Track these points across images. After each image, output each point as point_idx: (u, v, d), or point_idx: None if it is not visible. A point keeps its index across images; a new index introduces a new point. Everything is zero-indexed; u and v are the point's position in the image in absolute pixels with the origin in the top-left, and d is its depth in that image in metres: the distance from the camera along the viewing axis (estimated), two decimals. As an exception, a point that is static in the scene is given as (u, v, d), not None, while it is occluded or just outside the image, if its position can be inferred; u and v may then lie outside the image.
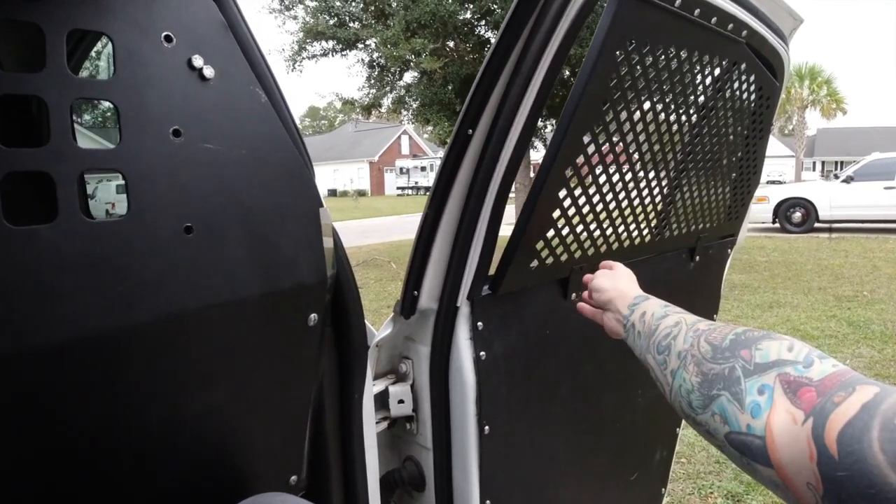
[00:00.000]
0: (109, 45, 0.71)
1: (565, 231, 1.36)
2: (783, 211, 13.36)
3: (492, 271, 1.26)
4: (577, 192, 1.34)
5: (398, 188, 48.25)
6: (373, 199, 40.86)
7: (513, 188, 1.24)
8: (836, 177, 14.27)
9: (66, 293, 0.65)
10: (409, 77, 12.56)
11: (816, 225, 13.26)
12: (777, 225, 13.48)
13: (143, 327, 0.71)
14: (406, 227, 17.01)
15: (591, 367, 1.60)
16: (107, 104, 0.71)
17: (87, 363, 0.68)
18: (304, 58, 12.43)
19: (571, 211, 1.34)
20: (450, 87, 11.47)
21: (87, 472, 0.73)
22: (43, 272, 0.63)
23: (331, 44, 12.22)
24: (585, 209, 1.39)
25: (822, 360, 0.60)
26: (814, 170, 44.93)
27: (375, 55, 12.34)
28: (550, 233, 1.32)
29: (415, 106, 12.76)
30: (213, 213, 0.76)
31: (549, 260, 1.35)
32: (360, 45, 12.26)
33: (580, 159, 1.29)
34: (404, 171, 48.24)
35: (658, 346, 0.83)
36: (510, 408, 1.36)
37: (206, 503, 0.86)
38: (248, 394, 0.87)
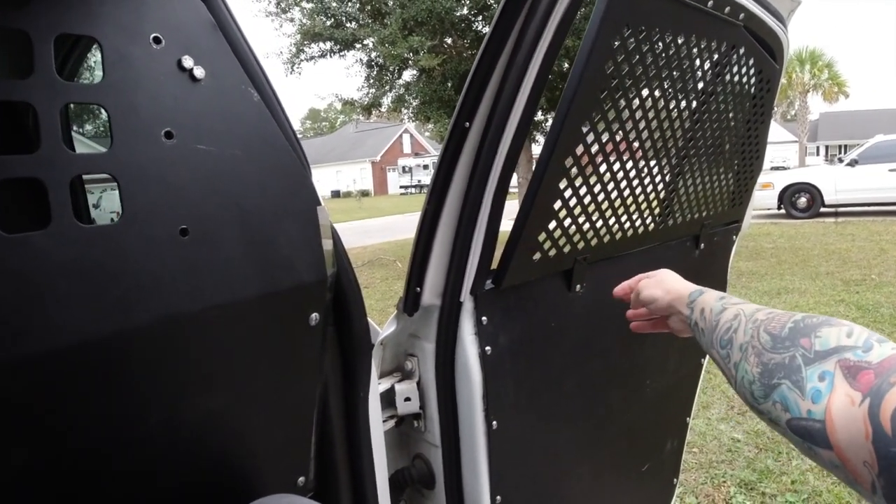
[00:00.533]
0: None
1: (567, 222, 1.35)
2: (788, 197, 13.29)
3: (494, 265, 1.25)
4: (578, 182, 1.33)
5: (401, 187, 48.25)
6: (376, 199, 40.87)
7: (515, 182, 1.22)
8: (841, 160, 14.19)
9: (61, 299, 0.64)
10: (408, 75, 12.55)
11: (822, 210, 13.19)
12: (782, 211, 13.41)
13: (141, 331, 0.70)
14: (410, 225, 16.99)
15: (598, 359, 1.59)
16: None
17: (86, 369, 0.67)
18: (302, 60, 12.43)
19: (573, 202, 1.33)
20: (449, 84, 11.47)
21: (91, 479, 0.73)
22: (38, 279, 0.63)
23: (328, 45, 12.22)
24: (587, 199, 1.37)
25: (882, 343, 0.61)
26: (818, 154, 44.67)
27: (373, 55, 12.34)
28: (552, 224, 1.30)
29: (415, 104, 12.76)
30: (209, 214, 0.75)
31: (552, 252, 1.34)
32: (358, 45, 12.26)
33: (579, 149, 1.27)
34: (407, 169, 48.24)
35: (720, 340, 0.84)
36: (517, 402, 1.35)
37: None
38: (251, 395, 0.86)
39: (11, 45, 1.39)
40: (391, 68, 12.25)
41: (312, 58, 12.50)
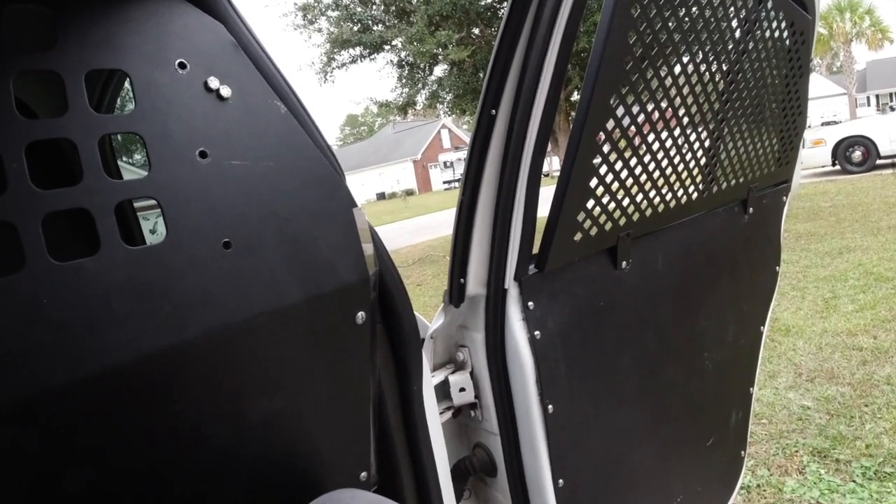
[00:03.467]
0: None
1: (605, 199, 1.33)
2: (842, 151, 12.76)
3: (536, 249, 1.25)
4: (612, 157, 1.32)
5: (444, 182, 48.33)
6: (421, 197, 41.04)
7: (558, 165, 1.22)
8: (893, 109, 13.53)
9: (115, 319, 0.67)
10: (440, 70, 12.58)
11: (878, 162, 12.61)
12: (837, 167, 12.89)
13: (194, 343, 0.73)
14: (456, 220, 17.01)
15: (652, 335, 1.57)
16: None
17: (145, 385, 0.71)
18: (333, 68, 12.59)
19: (609, 178, 1.32)
20: (481, 75, 11.43)
21: (161, 490, 0.76)
22: (91, 302, 0.66)
23: (358, 50, 12.35)
24: (624, 174, 1.36)
25: None
26: (868, 105, 42.72)
27: (403, 54, 12.41)
28: (590, 203, 1.29)
29: (449, 98, 12.78)
30: (249, 225, 0.78)
31: (593, 231, 1.33)
32: (387, 47, 12.35)
33: (610, 123, 1.26)
34: (448, 164, 48.29)
35: None
36: (571, 384, 1.34)
37: None
38: (306, 396, 0.88)
39: (47, 84, 1.46)
40: (422, 65, 12.30)
41: (344, 65, 12.66)
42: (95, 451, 0.69)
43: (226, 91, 0.79)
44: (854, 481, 2.65)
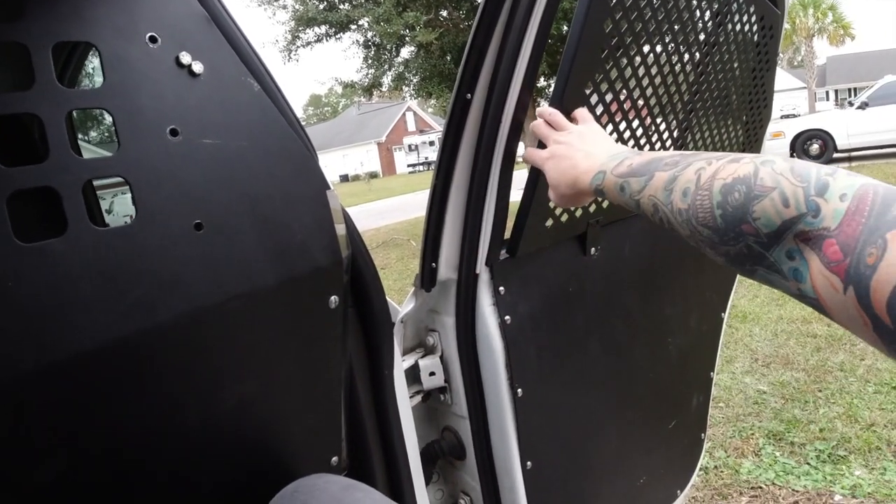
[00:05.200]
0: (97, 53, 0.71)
1: None
2: (800, 144, 13.09)
3: (508, 235, 1.25)
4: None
5: (409, 165, 48.11)
6: (385, 180, 40.80)
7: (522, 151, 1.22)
8: (851, 104, 13.92)
9: (84, 303, 0.65)
10: (406, 52, 12.46)
11: (835, 155, 12.96)
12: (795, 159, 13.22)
13: (166, 328, 0.71)
14: (421, 204, 16.97)
15: (619, 320, 1.59)
16: (108, 116, 0.71)
17: (114, 370, 0.69)
18: (298, 46, 12.38)
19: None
20: (448, 58, 11.38)
21: (130, 476, 0.75)
22: (59, 285, 0.64)
23: (323, 28, 12.15)
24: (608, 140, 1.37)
25: (824, 193, 0.54)
26: (827, 99, 43.85)
27: (369, 34, 12.25)
28: None
29: (415, 81, 12.69)
30: (221, 206, 0.76)
31: (564, 217, 1.33)
32: (353, 26, 12.18)
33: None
34: (413, 147, 48.05)
35: (658, 223, 0.75)
36: (541, 368, 1.36)
37: (252, 492, 0.88)
38: (279, 381, 0.87)
39: (9, 58, 1.40)
40: (388, 47, 12.18)
41: (308, 43, 12.45)
42: (63, 438, 0.67)
43: (198, 67, 0.77)
44: (808, 464, 2.75)
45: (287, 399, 0.90)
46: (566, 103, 1.18)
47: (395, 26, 10.77)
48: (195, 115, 0.76)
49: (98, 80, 0.71)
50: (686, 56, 1.48)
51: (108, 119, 0.71)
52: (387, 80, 13.15)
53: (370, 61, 12.70)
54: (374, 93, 14.11)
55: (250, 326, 0.81)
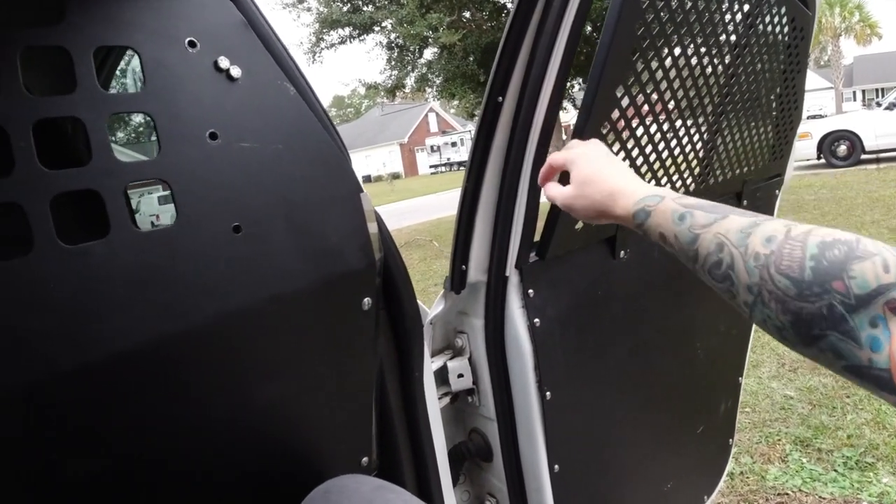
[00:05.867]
0: (135, 58, 0.72)
1: None
2: (827, 145, 12.85)
3: (537, 237, 1.25)
4: (616, 147, 1.32)
5: (431, 167, 48.14)
6: (407, 181, 40.89)
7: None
8: (879, 104, 13.64)
9: (124, 304, 0.66)
10: (430, 53, 12.48)
11: (863, 157, 12.70)
12: (822, 160, 12.99)
13: (203, 329, 0.73)
14: (443, 204, 17.00)
15: (647, 324, 1.58)
16: (136, 118, 0.72)
17: (154, 370, 0.70)
18: (322, 48, 12.46)
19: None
20: (471, 59, 11.37)
21: (164, 475, 0.76)
22: (100, 287, 0.65)
23: (347, 30, 12.23)
24: (626, 164, 1.36)
25: None
26: (854, 100, 43.01)
27: (393, 36, 12.30)
28: None
29: (438, 82, 12.71)
30: (258, 209, 0.77)
31: (594, 220, 1.33)
32: (377, 28, 12.24)
33: (615, 114, 1.26)
34: (435, 148, 48.08)
35: (712, 273, 0.69)
36: (569, 372, 1.35)
37: (283, 491, 0.89)
38: (312, 382, 0.88)
39: (49, 61, 1.42)
40: (412, 48, 12.21)
41: (332, 45, 12.53)
42: (101, 437, 0.68)
43: (236, 71, 0.78)
44: (836, 470, 2.70)
45: (319, 400, 0.91)
46: (597, 106, 1.18)
47: (418, 28, 10.81)
48: (233, 119, 0.77)
49: (127, 82, 0.72)
50: (716, 57, 1.47)
51: (139, 121, 0.72)
52: (410, 81, 13.19)
53: (393, 63, 12.75)
54: (397, 94, 14.16)
55: (285, 328, 0.82)
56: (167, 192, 0.72)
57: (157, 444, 0.74)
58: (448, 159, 45.79)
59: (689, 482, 1.91)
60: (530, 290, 1.25)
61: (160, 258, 0.69)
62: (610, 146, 1.28)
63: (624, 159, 1.34)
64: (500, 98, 1.13)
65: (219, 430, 0.79)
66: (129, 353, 0.67)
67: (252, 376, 0.81)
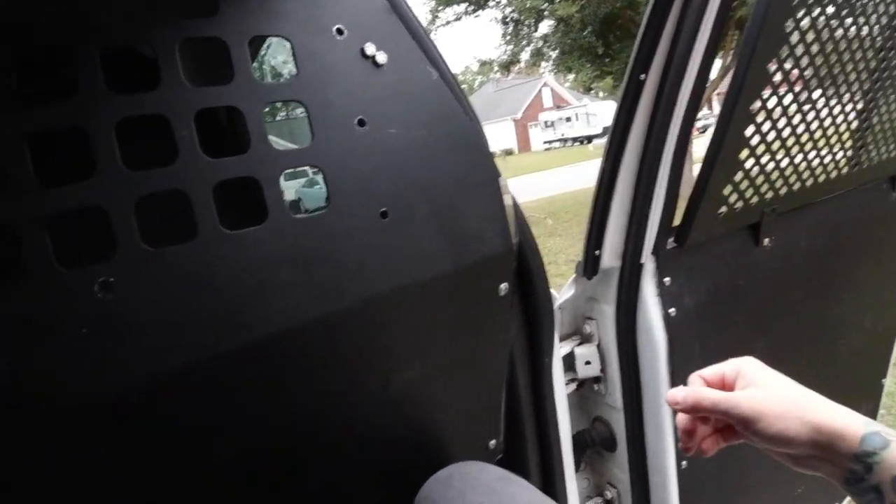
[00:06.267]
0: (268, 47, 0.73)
1: (754, 171, 1.25)
2: None
3: (676, 222, 1.19)
4: (766, 127, 1.23)
5: (545, 142, 47.37)
6: (520, 157, 40.48)
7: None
8: None
9: (280, 287, 0.69)
10: (545, 27, 12.21)
11: None
12: None
13: (350, 312, 0.74)
14: (556, 181, 16.73)
15: (789, 318, 1.48)
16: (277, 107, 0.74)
17: (303, 352, 0.73)
18: (438, 26, 12.51)
19: (760, 149, 1.23)
20: (588, 31, 11.00)
21: (311, 452, 0.79)
22: (258, 270, 0.68)
23: (462, 7, 12.18)
24: (775, 145, 1.27)
25: None
26: None
27: (508, 10, 12.13)
28: (738, 175, 1.22)
29: (554, 55, 12.43)
30: (404, 195, 0.78)
31: (739, 205, 1.25)
32: (491, 3, 12.10)
33: (766, 91, 1.17)
34: (549, 124, 47.23)
35: None
36: (704, 365, 1.29)
37: (414, 471, 0.91)
38: (448, 365, 0.89)
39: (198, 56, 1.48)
40: (527, 22, 12.00)
41: (448, 22, 12.53)
42: (256, 415, 0.72)
43: (381, 57, 0.78)
44: None
45: (453, 383, 0.92)
46: (748, 83, 1.10)
47: (534, 1, 10.59)
48: (380, 106, 0.77)
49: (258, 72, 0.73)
50: (875, 27, 1.33)
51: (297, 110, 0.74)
52: (525, 55, 12.99)
53: (508, 38, 12.60)
54: (512, 69, 14.01)
55: (425, 312, 0.83)
56: (291, 169, 0.74)
57: (303, 423, 0.77)
58: (562, 135, 44.85)
59: (821, 487, 1.78)
60: (666, 279, 1.19)
61: (313, 243, 0.71)
62: (759, 126, 1.19)
63: (774, 140, 1.25)
64: (643, 75, 1.07)
65: (358, 409, 0.82)
66: (282, 333, 0.70)
67: (390, 360, 0.82)
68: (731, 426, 0.67)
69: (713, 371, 0.71)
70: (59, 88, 0.59)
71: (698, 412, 0.67)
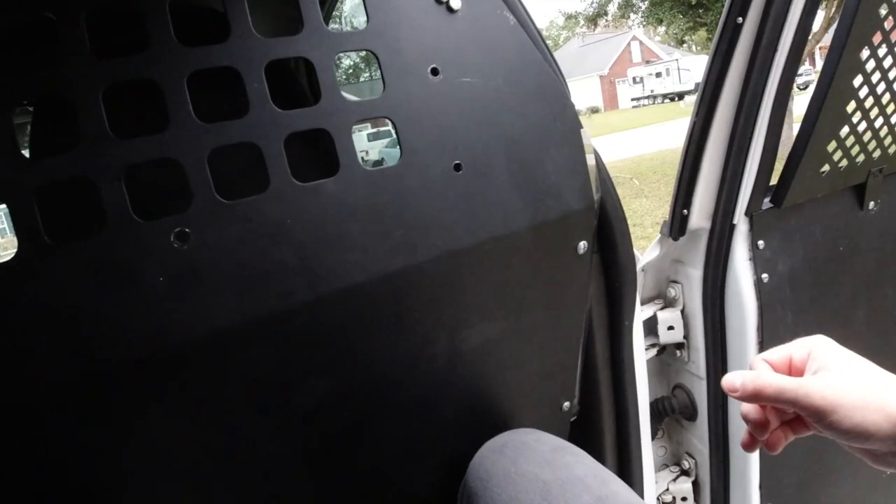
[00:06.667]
0: None
1: (862, 127, 1.14)
2: None
3: (773, 181, 1.11)
4: (876, 77, 1.12)
5: (632, 99, 45.71)
6: (606, 115, 39.24)
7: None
8: None
9: (353, 240, 0.68)
10: (636, -24, 11.66)
11: None
12: None
13: (425, 266, 0.73)
14: (644, 140, 16.14)
15: (894, 290, 1.36)
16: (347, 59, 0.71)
17: (377, 304, 0.72)
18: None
19: (869, 101, 1.12)
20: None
21: (381, 406, 0.79)
22: (331, 223, 0.67)
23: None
24: (885, 98, 1.15)
25: None
26: None
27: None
28: (844, 130, 1.11)
29: (644, 7, 11.87)
30: (478, 147, 0.75)
31: (843, 163, 1.15)
32: (581, -48, 11.65)
33: (877, 37, 1.06)
34: (637, 80, 45.42)
35: None
36: (796, 336, 1.21)
37: (486, 428, 0.89)
38: (522, 324, 0.87)
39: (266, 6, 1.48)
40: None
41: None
42: (330, 365, 0.72)
43: (455, 2, 0.75)
44: None
45: (528, 341, 0.90)
46: (857, 27, 0.99)
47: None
48: (454, 54, 0.74)
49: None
50: None
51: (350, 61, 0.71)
52: (612, 8, 12.48)
53: (596, -12, 12.12)
54: (599, 22, 13.52)
55: (500, 269, 0.81)
56: (375, 130, 0.72)
57: (376, 374, 0.77)
58: (651, 91, 43.05)
59: None
60: (760, 242, 1.11)
61: (386, 196, 0.70)
62: (869, 75, 1.08)
63: (885, 91, 1.13)
64: (741, 18, 0.99)
65: (432, 364, 0.81)
66: (357, 286, 0.69)
67: (466, 314, 0.81)
68: (801, 417, 0.59)
69: (779, 353, 0.62)
70: (130, 44, 0.59)
71: (760, 401, 0.58)
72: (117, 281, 0.58)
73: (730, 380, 0.59)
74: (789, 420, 0.62)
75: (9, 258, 0.55)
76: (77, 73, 0.56)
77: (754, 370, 0.61)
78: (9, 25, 0.57)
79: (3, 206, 0.56)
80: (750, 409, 0.61)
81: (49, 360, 0.56)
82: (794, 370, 0.61)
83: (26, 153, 0.64)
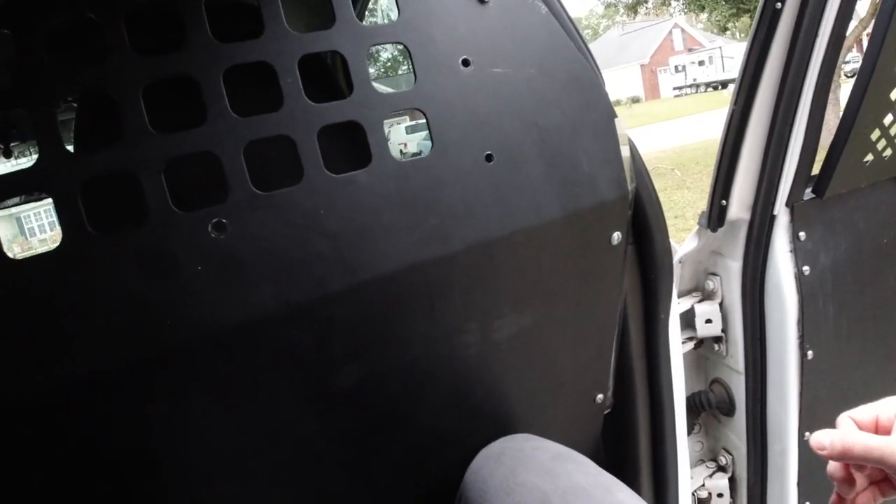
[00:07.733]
0: None
1: None
2: None
3: (815, 171, 1.08)
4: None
5: (674, 88, 44.82)
6: (648, 105, 38.55)
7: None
8: None
9: (385, 230, 0.69)
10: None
11: None
12: None
13: (457, 257, 0.73)
14: (686, 130, 15.82)
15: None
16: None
17: (409, 293, 0.73)
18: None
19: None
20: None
21: (412, 393, 0.80)
22: (364, 213, 0.68)
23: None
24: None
25: None
26: None
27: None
28: (888, 118, 1.08)
29: (686, -6, 11.64)
30: (510, 137, 0.75)
31: (887, 153, 1.11)
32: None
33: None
34: (680, 68, 44.49)
35: None
36: (839, 331, 1.18)
37: (518, 418, 0.89)
38: (554, 315, 0.86)
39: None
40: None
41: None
42: (361, 353, 0.73)
43: None
44: None
45: (560, 332, 0.89)
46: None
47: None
48: (485, 44, 0.74)
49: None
50: None
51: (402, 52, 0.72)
52: (654, -6, 12.26)
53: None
54: (639, 10, 13.30)
55: (532, 259, 0.80)
56: (413, 122, 0.72)
57: (409, 362, 0.77)
58: (694, 79, 42.11)
59: None
60: (801, 233, 1.09)
61: (417, 186, 0.70)
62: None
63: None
64: (779, 4, 0.96)
65: (464, 354, 0.81)
66: (390, 275, 0.70)
67: (498, 306, 0.81)
68: (889, 477, 0.58)
69: (866, 411, 0.61)
70: (168, 41, 0.61)
71: (848, 460, 0.58)
72: (158, 269, 0.60)
73: (818, 438, 0.59)
74: (878, 481, 0.61)
75: (54, 248, 0.57)
76: (120, 71, 0.58)
77: (840, 429, 0.60)
78: (55, 26, 0.59)
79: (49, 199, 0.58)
80: (836, 467, 0.61)
81: (93, 346, 0.58)
82: (880, 429, 0.60)
83: (70, 148, 0.66)
